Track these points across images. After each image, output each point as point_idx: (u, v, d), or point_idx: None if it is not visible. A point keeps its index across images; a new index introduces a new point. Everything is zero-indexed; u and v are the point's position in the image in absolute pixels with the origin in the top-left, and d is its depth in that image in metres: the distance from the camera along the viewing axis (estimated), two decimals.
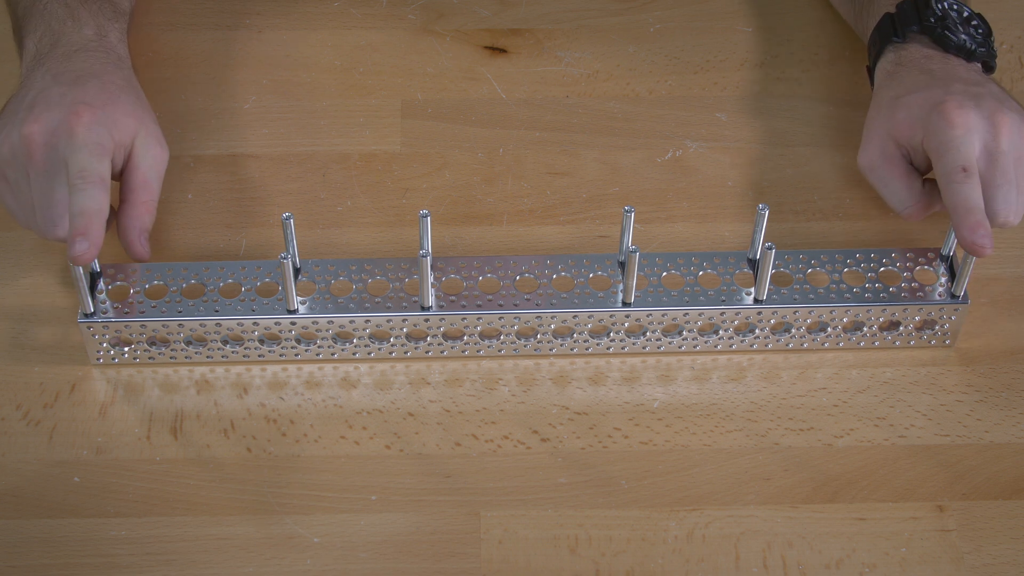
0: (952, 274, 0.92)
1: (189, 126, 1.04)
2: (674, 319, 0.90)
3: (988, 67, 0.99)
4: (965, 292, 0.91)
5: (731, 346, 0.92)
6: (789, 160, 1.03)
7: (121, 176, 0.93)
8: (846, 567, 0.83)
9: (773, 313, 0.90)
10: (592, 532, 0.85)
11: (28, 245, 0.97)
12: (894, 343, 0.93)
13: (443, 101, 1.07)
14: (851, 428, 0.89)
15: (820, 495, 0.86)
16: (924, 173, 0.95)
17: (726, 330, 0.91)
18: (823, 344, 0.92)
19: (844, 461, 0.88)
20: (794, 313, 0.90)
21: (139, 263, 0.92)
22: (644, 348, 0.92)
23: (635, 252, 0.85)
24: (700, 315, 0.90)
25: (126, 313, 0.89)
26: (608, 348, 0.92)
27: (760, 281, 0.89)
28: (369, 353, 0.91)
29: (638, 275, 0.90)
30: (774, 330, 0.91)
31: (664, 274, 0.91)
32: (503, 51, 1.10)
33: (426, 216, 0.88)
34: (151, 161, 0.94)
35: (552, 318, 0.90)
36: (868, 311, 0.91)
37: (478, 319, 0.90)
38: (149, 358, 0.91)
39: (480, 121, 1.05)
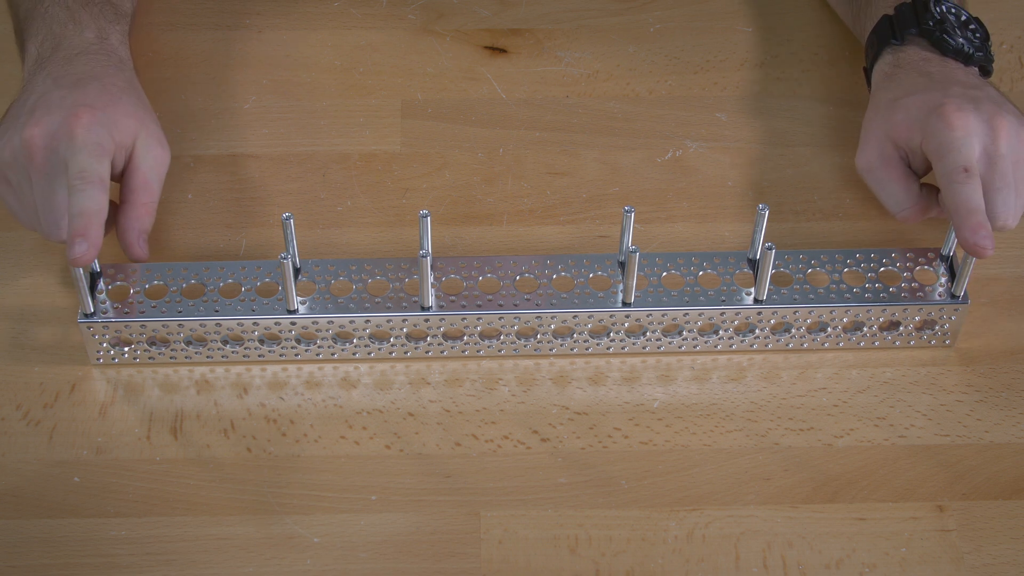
0: (952, 274, 0.92)
1: (189, 126, 1.04)
2: (674, 319, 0.90)
3: (985, 71, 0.99)
4: (965, 292, 0.91)
5: (731, 346, 0.92)
6: (789, 160, 1.03)
7: (122, 177, 0.93)
8: (846, 567, 0.83)
9: (773, 313, 0.90)
10: (592, 532, 0.85)
11: (28, 245, 0.97)
12: (894, 343, 0.93)
13: (443, 101, 1.07)
14: (851, 428, 0.89)
15: (820, 495, 0.86)
16: (921, 176, 0.95)
17: (726, 330, 0.91)
18: (823, 344, 0.92)
19: (844, 461, 0.88)
20: (794, 313, 0.90)
21: (139, 263, 0.92)
22: (644, 348, 0.92)
23: (635, 252, 0.85)
24: (700, 315, 0.90)
25: (126, 313, 0.89)
26: (608, 348, 0.92)
27: (760, 281, 0.89)
28: (369, 353, 0.91)
29: (638, 275, 0.90)
30: (774, 330, 0.91)
31: (664, 274, 0.91)
32: (503, 51, 1.10)
33: (426, 216, 0.88)
34: (152, 162, 0.93)
35: (552, 318, 0.90)
36: (868, 311, 0.91)
37: (478, 319, 0.90)
38: (149, 358, 0.91)
39: (480, 121, 1.05)
